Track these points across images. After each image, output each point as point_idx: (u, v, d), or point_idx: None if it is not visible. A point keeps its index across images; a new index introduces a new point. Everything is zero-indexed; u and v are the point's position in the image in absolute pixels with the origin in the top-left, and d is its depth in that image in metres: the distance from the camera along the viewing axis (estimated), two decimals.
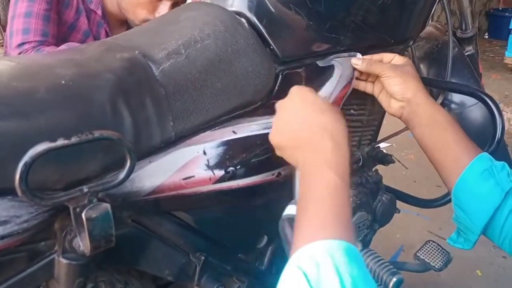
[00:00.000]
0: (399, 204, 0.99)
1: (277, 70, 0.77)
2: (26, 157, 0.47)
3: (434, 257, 0.91)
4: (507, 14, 5.52)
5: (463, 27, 1.23)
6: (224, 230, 0.82)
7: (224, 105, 0.70)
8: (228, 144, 0.71)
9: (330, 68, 0.80)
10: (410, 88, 0.78)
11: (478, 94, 0.90)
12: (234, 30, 0.73)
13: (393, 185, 1.05)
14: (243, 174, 0.73)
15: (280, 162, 0.70)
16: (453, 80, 1.07)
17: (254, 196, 0.81)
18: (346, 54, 0.82)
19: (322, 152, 0.61)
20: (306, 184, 0.60)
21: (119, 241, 0.58)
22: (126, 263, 0.70)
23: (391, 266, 0.71)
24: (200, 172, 0.68)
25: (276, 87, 0.77)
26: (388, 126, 1.05)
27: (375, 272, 0.71)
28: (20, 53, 1.15)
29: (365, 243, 0.92)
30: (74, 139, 0.50)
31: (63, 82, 0.57)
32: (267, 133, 0.70)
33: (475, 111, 1.10)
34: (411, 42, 0.96)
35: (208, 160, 0.69)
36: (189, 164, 0.68)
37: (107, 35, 1.32)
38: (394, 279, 0.69)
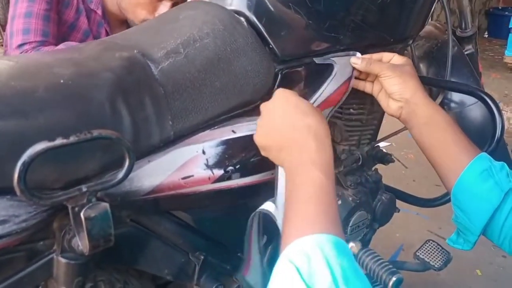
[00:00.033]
0: (399, 203, 0.99)
1: (276, 69, 0.77)
2: (25, 156, 0.47)
3: (434, 257, 0.91)
4: (506, 13, 5.51)
5: (463, 26, 1.23)
6: (223, 229, 0.82)
7: (223, 104, 0.70)
8: (227, 143, 0.71)
9: (329, 67, 0.80)
10: (409, 88, 0.78)
11: (477, 93, 0.90)
12: (233, 29, 0.73)
13: (393, 184, 1.05)
14: (242, 174, 0.73)
15: None
16: (452, 79, 1.07)
17: (253, 195, 0.81)
18: (345, 53, 0.82)
19: (307, 152, 0.62)
20: (292, 183, 0.61)
21: (118, 240, 0.58)
22: (125, 262, 0.70)
23: (391, 266, 0.70)
24: (199, 171, 0.68)
25: (276, 86, 0.77)
26: (387, 125, 1.05)
27: (375, 271, 0.71)
28: (20, 53, 1.15)
29: (365, 243, 0.91)
30: (72, 138, 0.50)
31: (61, 81, 0.57)
32: None
33: (475, 110, 1.10)
34: (411, 41, 0.96)
35: (207, 160, 0.69)
36: (188, 164, 0.67)
37: (107, 35, 1.32)
38: (394, 279, 0.69)
